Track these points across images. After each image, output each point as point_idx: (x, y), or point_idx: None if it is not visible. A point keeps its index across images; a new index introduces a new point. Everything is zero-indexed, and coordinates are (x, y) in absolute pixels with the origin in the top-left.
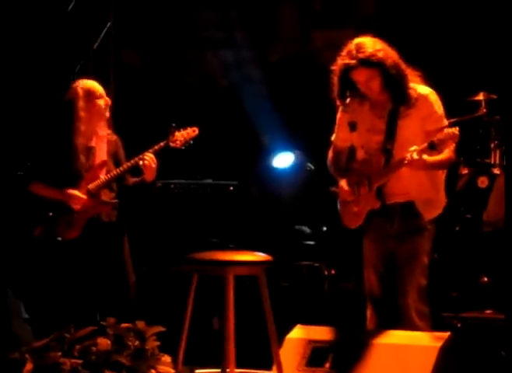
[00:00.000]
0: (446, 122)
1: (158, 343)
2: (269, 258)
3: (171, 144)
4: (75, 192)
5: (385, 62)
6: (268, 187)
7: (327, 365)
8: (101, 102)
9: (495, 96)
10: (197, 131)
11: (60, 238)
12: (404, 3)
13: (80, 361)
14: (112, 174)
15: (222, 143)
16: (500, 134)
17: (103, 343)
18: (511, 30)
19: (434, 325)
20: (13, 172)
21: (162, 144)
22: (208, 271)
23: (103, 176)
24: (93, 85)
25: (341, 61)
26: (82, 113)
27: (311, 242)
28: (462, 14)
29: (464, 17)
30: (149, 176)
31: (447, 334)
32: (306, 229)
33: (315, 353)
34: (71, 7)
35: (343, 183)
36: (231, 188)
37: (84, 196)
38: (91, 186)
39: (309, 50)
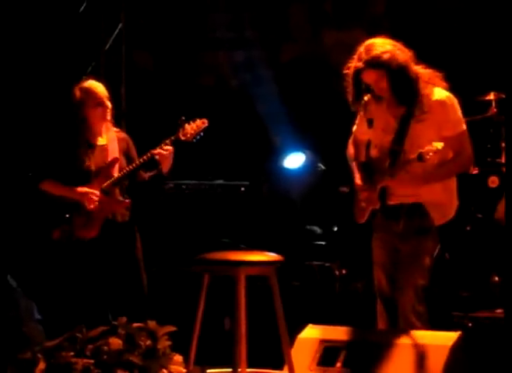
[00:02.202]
0: (464, 127)
1: (169, 342)
2: (280, 258)
3: (182, 137)
4: (89, 190)
5: (390, 64)
6: (279, 187)
7: (339, 365)
8: (100, 100)
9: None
10: (206, 123)
11: (74, 238)
12: (414, 3)
13: (92, 361)
14: (125, 170)
15: (233, 143)
16: None
17: (115, 342)
18: None
19: (445, 325)
20: (24, 172)
21: (172, 137)
22: (220, 271)
23: (116, 174)
24: (91, 84)
25: (352, 64)
26: (82, 114)
27: (322, 242)
28: (472, 13)
29: (474, 17)
30: (166, 167)
31: (457, 334)
32: (317, 229)
33: (326, 353)
34: (82, 8)
35: (357, 177)
36: (242, 188)
37: (98, 194)
38: (105, 184)
39: (319, 51)
